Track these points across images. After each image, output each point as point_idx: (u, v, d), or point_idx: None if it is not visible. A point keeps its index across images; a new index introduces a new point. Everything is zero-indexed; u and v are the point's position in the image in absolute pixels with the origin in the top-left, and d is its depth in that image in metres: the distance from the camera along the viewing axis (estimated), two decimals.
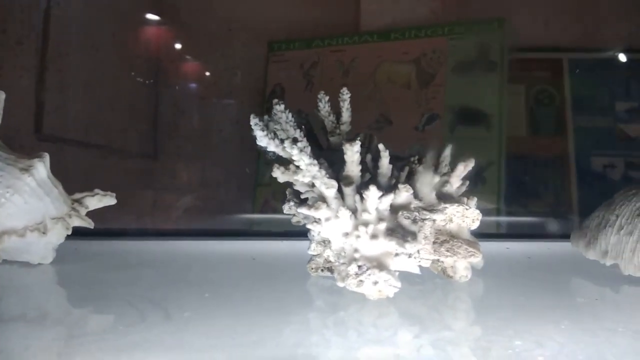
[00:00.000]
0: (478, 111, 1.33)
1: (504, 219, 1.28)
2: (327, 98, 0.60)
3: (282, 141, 0.51)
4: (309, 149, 0.51)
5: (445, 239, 0.55)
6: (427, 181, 0.56)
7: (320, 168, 0.51)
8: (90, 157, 1.28)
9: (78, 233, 0.66)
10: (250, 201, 1.38)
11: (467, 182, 0.59)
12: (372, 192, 0.49)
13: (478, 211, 0.57)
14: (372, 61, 1.41)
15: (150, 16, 1.42)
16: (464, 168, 0.58)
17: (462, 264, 0.56)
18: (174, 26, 1.45)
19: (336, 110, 0.60)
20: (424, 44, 1.40)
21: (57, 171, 0.65)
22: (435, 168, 0.57)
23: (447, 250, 0.55)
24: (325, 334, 0.45)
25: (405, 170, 0.56)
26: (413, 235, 0.50)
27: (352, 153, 0.51)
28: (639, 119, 1.44)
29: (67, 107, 1.24)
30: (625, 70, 1.46)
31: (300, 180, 0.52)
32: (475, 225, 0.57)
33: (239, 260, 0.74)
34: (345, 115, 0.59)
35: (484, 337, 0.44)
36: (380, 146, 0.52)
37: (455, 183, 0.57)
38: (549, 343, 0.41)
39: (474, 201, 0.57)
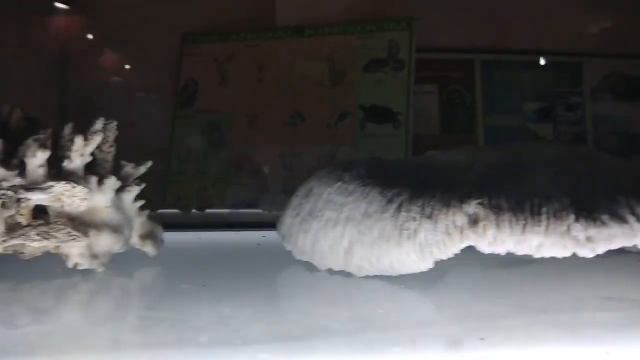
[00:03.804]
0: (387, 109, 1.34)
1: None
2: None
3: None
4: None
5: (46, 221, 0.52)
6: (33, 156, 0.52)
7: None
8: None
9: None
10: (162, 198, 1.38)
11: (135, 167, 0.56)
12: None
13: (87, 190, 0.52)
14: (286, 57, 1.42)
15: (58, 4, 1.41)
16: (83, 142, 0.54)
17: (76, 251, 0.51)
18: (84, 15, 1.44)
19: None
20: (337, 41, 1.40)
21: None
22: (70, 144, 0.53)
23: (39, 235, 0.51)
24: None
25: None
26: None
27: None
28: (547, 119, 1.47)
29: None
30: (534, 72, 1.49)
31: None
32: (84, 205, 0.53)
33: None
34: None
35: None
36: None
37: (76, 159, 0.53)
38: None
39: (112, 180, 0.53)
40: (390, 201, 0.50)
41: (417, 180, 0.53)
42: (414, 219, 0.48)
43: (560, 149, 0.64)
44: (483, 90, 1.47)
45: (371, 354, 0.33)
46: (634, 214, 0.47)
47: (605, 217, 0.46)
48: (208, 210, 1.02)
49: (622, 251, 0.58)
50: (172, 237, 0.66)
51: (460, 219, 0.47)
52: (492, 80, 1.48)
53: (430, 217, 0.47)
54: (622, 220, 0.46)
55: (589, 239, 0.46)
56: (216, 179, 1.38)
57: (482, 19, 1.45)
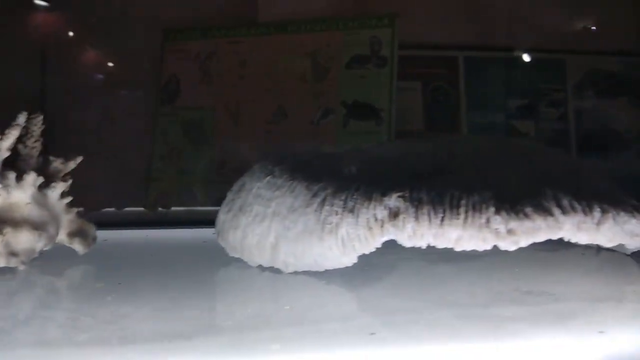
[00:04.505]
0: (369, 106, 1.34)
1: None
2: None
3: None
4: None
5: None
6: None
7: None
8: None
9: None
10: (143, 196, 1.38)
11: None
12: None
13: (0, 185, 0.51)
14: (269, 54, 1.41)
15: (38, 1, 1.41)
16: None
17: None
18: (63, 11, 1.44)
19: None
20: (320, 38, 1.40)
21: None
22: None
23: None
24: None
25: None
26: None
27: None
28: (530, 115, 1.46)
29: None
30: (516, 69, 1.49)
31: None
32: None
33: None
34: None
35: None
36: None
37: None
38: None
39: (31, 176, 0.52)
40: (315, 195, 0.49)
41: (348, 173, 0.53)
42: (336, 213, 0.47)
43: (498, 143, 0.63)
44: (466, 86, 1.47)
45: (246, 351, 0.33)
46: (559, 206, 0.46)
47: (528, 209, 0.45)
48: (174, 208, 1.02)
49: (569, 245, 0.57)
50: (117, 235, 0.66)
51: (381, 212, 0.46)
52: (475, 77, 1.47)
53: (352, 210, 0.47)
54: (546, 212, 0.45)
55: (510, 232, 0.45)
56: (198, 176, 1.38)
57: (465, 16, 1.44)
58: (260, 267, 0.53)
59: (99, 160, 1.42)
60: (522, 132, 1.47)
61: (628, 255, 0.59)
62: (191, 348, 0.33)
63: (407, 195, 0.46)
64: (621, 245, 0.53)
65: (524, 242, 0.45)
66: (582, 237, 0.46)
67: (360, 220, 0.46)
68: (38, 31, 1.44)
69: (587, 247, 0.61)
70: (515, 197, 0.46)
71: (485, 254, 0.48)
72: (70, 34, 1.45)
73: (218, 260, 0.56)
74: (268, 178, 0.53)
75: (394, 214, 0.46)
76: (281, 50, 1.40)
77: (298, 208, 0.49)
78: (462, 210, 0.45)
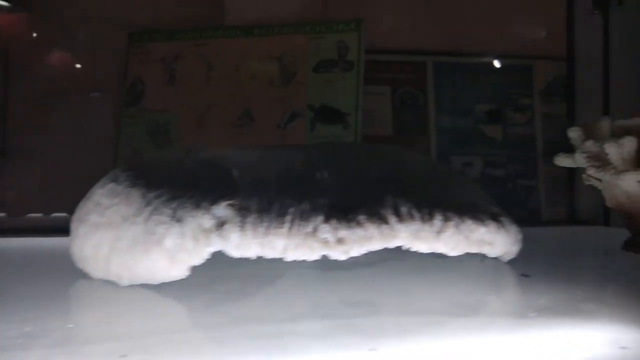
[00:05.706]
0: (336, 110, 1.33)
1: None
2: None
3: None
4: None
5: None
6: None
7: None
8: None
9: None
10: None
11: None
12: None
13: None
14: (236, 57, 1.40)
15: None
16: None
17: None
18: (25, 13, 1.44)
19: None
20: (287, 41, 1.39)
21: None
22: None
23: None
24: None
25: None
26: None
27: None
28: (497, 120, 1.46)
29: None
30: (484, 74, 1.48)
31: None
32: None
33: None
34: None
35: None
36: None
37: None
38: None
39: None
40: (148, 203, 0.47)
41: (196, 180, 0.51)
42: (164, 223, 0.45)
43: (358, 150, 0.61)
44: (435, 91, 1.46)
45: None
46: (396, 213, 0.44)
47: (361, 217, 0.43)
48: None
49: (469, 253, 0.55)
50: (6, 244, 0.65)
51: (208, 222, 0.44)
52: (443, 82, 1.46)
53: (180, 220, 0.45)
54: (381, 220, 0.44)
55: (340, 241, 0.43)
56: None
57: (433, 22, 1.44)
58: (102, 279, 0.50)
59: (61, 163, 1.43)
60: (490, 136, 1.46)
61: (506, 262, 0.57)
62: None
63: (236, 203, 0.44)
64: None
65: (356, 252, 0.44)
66: (420, 246, 0.45)
67: (186, 230, 0.45)
68: (0, 32, 1.44)
69: (475, 255, 0.59)
70: (351, 204, 0.45)
71: (371, 261, 0.46)
72: (34, 35, 1.45)
73: (66, 272, 0.54)
74: (111, 185, 0.51)
75: (221, 223, 0.44)
76: (248, 53, 1.40)
77: (130, 217, 0.47)
78: (287, 218, 0.43)
